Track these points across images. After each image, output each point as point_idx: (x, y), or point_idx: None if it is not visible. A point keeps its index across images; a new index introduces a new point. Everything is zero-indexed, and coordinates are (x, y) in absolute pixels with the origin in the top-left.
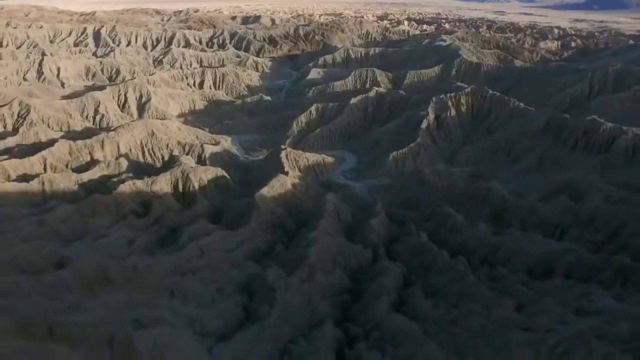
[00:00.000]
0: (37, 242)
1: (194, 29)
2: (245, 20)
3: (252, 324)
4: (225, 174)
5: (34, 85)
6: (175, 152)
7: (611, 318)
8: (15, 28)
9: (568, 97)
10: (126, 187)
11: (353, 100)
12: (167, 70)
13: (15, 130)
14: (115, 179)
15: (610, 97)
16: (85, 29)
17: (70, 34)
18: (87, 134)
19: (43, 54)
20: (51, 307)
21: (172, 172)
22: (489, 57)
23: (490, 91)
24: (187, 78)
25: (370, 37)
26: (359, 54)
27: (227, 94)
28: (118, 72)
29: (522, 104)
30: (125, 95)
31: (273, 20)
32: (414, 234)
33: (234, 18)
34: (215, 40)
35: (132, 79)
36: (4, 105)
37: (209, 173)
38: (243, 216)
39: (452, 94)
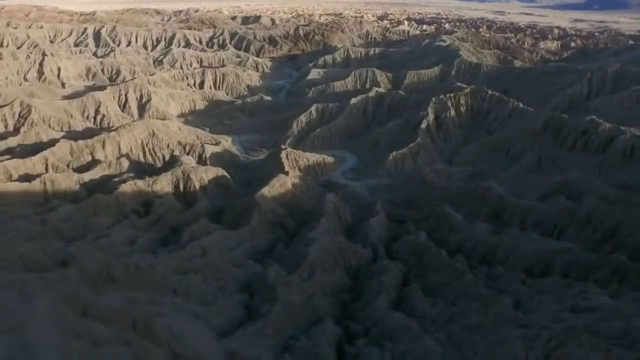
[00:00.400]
0: (42, 241)
1: (194, 29)
2: (245, 20)
3: (253, 321)
4: (226, 174)
5: (34, 86)
6: (176, 152)
7: (605, 315)
8: (15, 28)
9: (567, 98)
10: (127, 187)
11: (353, 101)
12: (167, 70)
13: (16, 130)
14: (116, 179)
15: (609, 97)
16: (85, 29)
17: (70, 34)
18: (88, 134)
19: (44, 54)
20: None
21: (173, 172)
22: (489, 57)
23: (490, 91)
24: (187, 78)
25: (370, 37)
26: (359, 54)
27: (227, 94)
28: (118, 72)
29: (521, 104)
30: (125, 95)
31: (273, 20)
32: (413, 234)
33: (234, 18)
34: (215, 41)
35: (132, 79)
36: (5, 106)
37: (210, 173)
38: (243, 216)
39: (452, 94)
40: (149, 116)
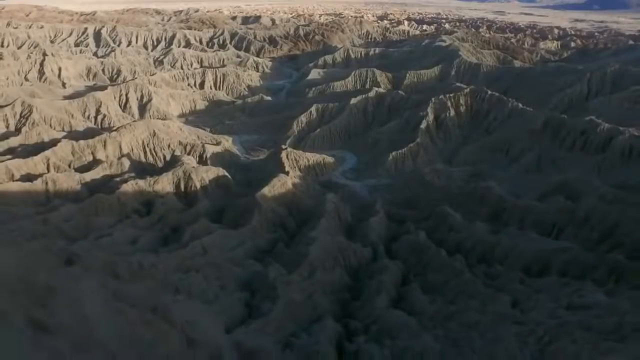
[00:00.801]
0: (46, 240)
1: (195, 29)
2: (246, 20)
3: (254, 319)
4: (227, 174)
5: (35, 86)
6: (177, 152)
7: (600, 312)
8: (16, 28)
9: (566, 98)
10: (129, 187)
11: (353, 101)
12: (167, 70)
13: (17, 130)
14: (118, 179)
15: (608, 97)
16: (86, 29)
17: (71, 34)
18: (89, 134)
19: (44, 54)
20: None
21: (174, 171)
22: (488, 57)
23: (489, 92)
24: (187, 78)
25: (370, 37)
26: (359, 54)
27: (227, 94)
28: (119, 72)
29: (520, 104)
30: (126, 95)
31: (273, 20)
32: (413, 233)
33: (234, 18)
34: (215, 41)
35: (133, 79)
36: (6, 106)
37: (211, 173)
38: (244, 215)
39: (452, 95)
40: (150, 116)
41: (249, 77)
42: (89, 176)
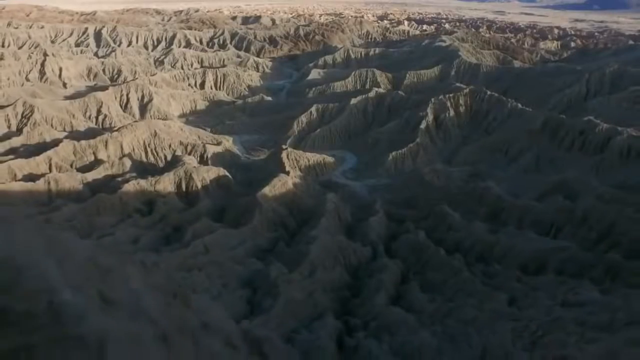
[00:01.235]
0: None
1: (195, 29)
2: (246, 20)
3: (256, 316)
4: (227, 174)
5: (36, 86)
6: (178, 152)
7: (595, 309)
8: (16, 28)
9: (566, 98)
10: (130, 187)
11: (353, 101)
12: (168, 70)
13: (19, 131)
14: (119, 179)
15: (606, 97)
16: (86, 29)
17: (71, 34)
18: (90, 134)
19: (45, 55)
20: None
21: (175, 171)
22: (488, 57)
23: (489, 92)
24: (188, 78)
25: (370, 37)
26: (359, 54)
27: (228, 94)
28: (120, 72)
29: (520, 105)
30: (127, 95)
31: (273, 20)
32: (412, 232)
33: (234, 18)
34: (215, 41)
35: (133, 80)
36: (8, 106)
37: (211, 173)
38: (245, 215)
39: (451, 95)
40: (151, 116)
41: (249, 77)
42: (90, 176)
